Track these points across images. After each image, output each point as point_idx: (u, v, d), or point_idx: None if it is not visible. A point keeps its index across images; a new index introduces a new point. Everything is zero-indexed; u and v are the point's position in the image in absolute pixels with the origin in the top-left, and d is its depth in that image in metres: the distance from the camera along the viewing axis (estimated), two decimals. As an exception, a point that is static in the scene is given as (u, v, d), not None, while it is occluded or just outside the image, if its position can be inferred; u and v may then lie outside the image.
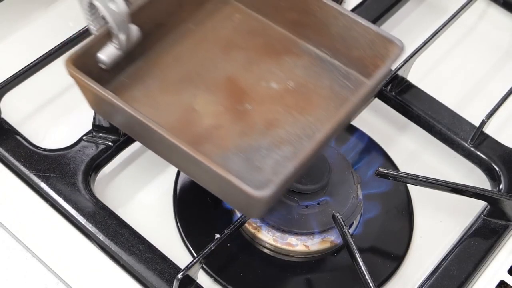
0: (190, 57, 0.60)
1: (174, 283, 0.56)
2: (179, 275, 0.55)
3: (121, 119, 0.55)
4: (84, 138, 0.65)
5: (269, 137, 0.57)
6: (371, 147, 0.70)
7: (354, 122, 0.70)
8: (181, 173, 0.65)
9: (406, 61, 0.70)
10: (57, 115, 0.69)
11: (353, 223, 0.64)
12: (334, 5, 0.59)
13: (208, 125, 0.57)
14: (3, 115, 0.65)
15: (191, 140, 0.55)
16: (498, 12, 0.84)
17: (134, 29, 0.56)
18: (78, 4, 0.55)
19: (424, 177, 0.64)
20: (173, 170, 0.66)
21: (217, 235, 0.61)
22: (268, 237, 0.62)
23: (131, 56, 0.58)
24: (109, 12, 0.54)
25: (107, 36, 0.55)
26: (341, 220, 0.60)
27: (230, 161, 0.55)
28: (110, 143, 0.64)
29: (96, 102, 0.55)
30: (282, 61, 0.61)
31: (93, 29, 0.56)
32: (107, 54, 0.56)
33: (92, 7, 0.55)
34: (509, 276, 0.63)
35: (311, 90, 0.59)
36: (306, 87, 0.60)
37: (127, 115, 0.52)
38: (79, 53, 0.54)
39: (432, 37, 0.72)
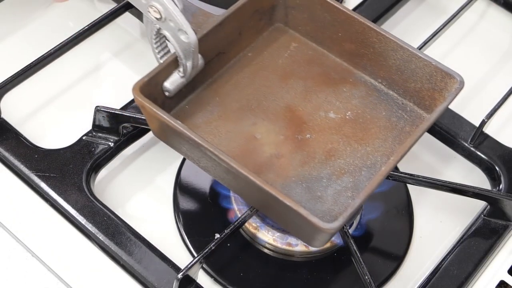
0: (248, 85, 0.61)
1: (174, 283, 0.55)
2: (179, 275, 0.55)
3: (187, 147, 0.55)
4: (84, 138, 0.65)
5: (329, 166, 0.57)
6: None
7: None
8: (181, 173, 0.65)
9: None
10: (57, 115, 0.69)
11: (353, 223, 0.64)
12: (394, 38, 0.60)
13: (269, 154, 0.58)
14: (3, 115, 0.65)
15: (254, 168, 0.56)
16: (498, 12, 0.84)
17: (199, 58, 0.57)
18: (147, 35, 0.57)
19: (424, 177, 0.64)
20: (173, 170, 0.66)
21: (217, 235, 0.61)
22: (268, 237, 0.62)
23: (192, 84, 0.59)
24: (179, 42, 0.55)
25: (172, 65, 0.57)
26: (341, 220, 0.60)
27: (292, 190, 0.56)
28: (110, 143, 0.64)
29: (161, 130, 0.56)
30: (339, 90, 0.62)
31: (158, 57, 0.57)
32: (172, 82, 0.57)
33: (158, 35, 0.56)
34: (509, 276, 0.63)
35: (368, 120, 0.60)
36: (363, 117, 0.60)
37: (196, 145, 0.53)
38: (146, 81, 0.55)
39: (432, 37, 0.72)
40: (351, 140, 0.59)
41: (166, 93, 0.57)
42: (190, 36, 0.54)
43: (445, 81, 0.59)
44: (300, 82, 0.62)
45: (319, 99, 0.61)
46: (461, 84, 0.58)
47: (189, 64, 0.56)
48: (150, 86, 0.55)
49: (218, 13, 0.60)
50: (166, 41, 0.57)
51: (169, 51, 0.58)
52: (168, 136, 0.56)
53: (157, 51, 0.58)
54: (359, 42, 0.62)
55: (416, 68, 0.60)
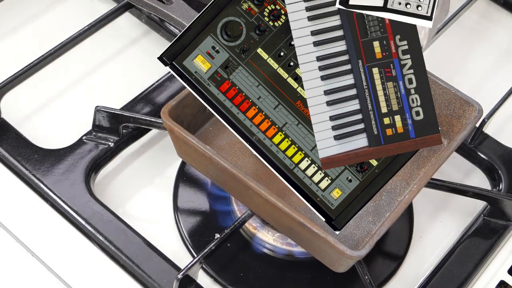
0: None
1: (174, 283, 0.56)
2: (179, 275, 0.55)
3: (214, 171, 0.56)
4: (84, 138, 0.65)
5: None
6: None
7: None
8: (181, 173, 0.65)
9: (406, 61, 0.70)
10: (57, 115, 0.69)
11: (353, 223, 0.64)
12: None
13: None
14: (3, 115, 0.65)
15: (277, 191, 0.57)
16: (498, 12, 0.84)
17: None
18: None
19: (424, 177, 0.64)
20: (173, 170, 0.66)
21: (217, 235, 0.61)
22: (268, 237, 0.62)
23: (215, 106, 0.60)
24: None
25: None
26: (341, 220, 0.60)
27: (314, 213, 0.56)
28: (110, 143, 0.64)
29: (187, 153, 0.57)
30: None
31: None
32: None
33: None
34: (509, 276, 0.63)
35: None
36: None
37: (223, 170, 0.53)
38: (174, 105, 0.56)
39: (432, 37, 0.72)
40: None
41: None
42: None
43: (464, 108, 0.60)
44: None
45: None
46: (480, 112, 0.59)
47: None
48: (177, 110, 0.56)
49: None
50: None
51: None
52: (194, 159, 0.57)
53: None
54: None
55: (435, 95, 0.61)
